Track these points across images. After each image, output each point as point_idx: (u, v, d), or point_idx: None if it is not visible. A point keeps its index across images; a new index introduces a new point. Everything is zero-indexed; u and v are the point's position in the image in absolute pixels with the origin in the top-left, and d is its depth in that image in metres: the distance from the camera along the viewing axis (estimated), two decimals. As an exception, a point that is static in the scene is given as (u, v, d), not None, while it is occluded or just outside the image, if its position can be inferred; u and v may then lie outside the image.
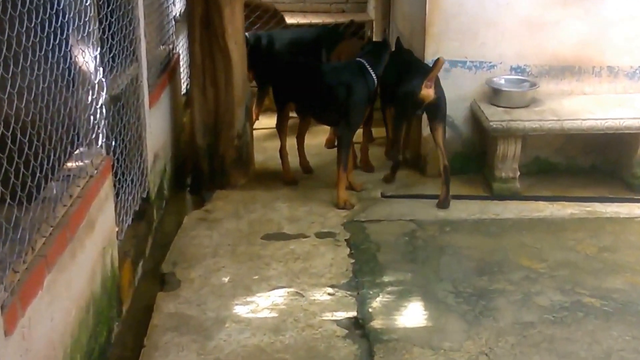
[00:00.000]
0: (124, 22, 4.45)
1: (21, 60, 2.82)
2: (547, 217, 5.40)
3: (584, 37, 5.93)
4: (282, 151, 6.03)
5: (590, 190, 5.83)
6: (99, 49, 3.82)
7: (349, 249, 4.94)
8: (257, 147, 6.35)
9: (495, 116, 5.66)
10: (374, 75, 5.57)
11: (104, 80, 3.88)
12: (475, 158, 6.10)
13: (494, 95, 5.86)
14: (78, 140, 3.63)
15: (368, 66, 5.57)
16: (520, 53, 5.95)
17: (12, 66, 2.74)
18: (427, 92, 5.44)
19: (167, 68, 5.93)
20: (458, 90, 5.96)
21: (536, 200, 5.66)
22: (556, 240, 5.05)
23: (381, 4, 7.97)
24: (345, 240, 5.07)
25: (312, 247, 4.97)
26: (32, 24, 2.99)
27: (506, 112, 5.73)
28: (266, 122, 7.22)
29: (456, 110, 6.00)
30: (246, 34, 6.21)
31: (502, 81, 5.93)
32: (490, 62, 5.96)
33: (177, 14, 6.86)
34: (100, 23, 3.94)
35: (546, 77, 6.01)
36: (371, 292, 4.43)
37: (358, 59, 5.66)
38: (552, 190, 5.83)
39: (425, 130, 6.01)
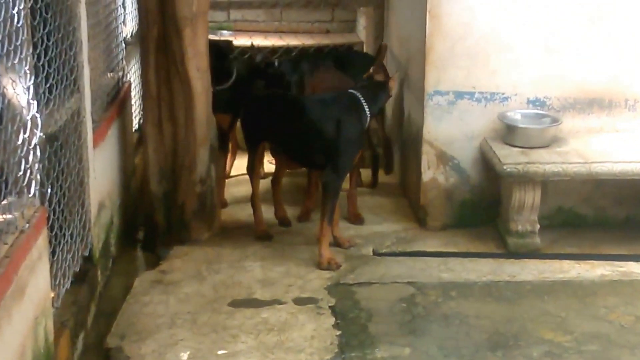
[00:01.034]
0: (64, 46, 4.46)
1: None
2: (573, 280, 5.42)
3: (616, 63, 6.00)
4: (254, 199, 6.04)
5: (624, 247, 5.86)
6: (33, 78, 3.82)
7: (334, 318, 4.93)
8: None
9: (509, 158, 5.70)
10: (368, 113, 5.62)
11: (38, 115, 3.86)
12: (486, 208, 6.13)
13: (508, 132, 5.90)
14: (6, 188, 3.61)
15: (363, 100, 5.62)
16: (540, 83, 6.01)
17: None
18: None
19: (115, 100, 5.94)
20: (465, 127, 6.02)
21: (560, 259, 5.69)
22: (584, 308, 5.06)
23: (373, 23, 8.05)
24: (330, 307, 5.06)
25: (290, 315, 4.96)
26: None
27: (523, 153, 5.77)
28: (235, 165, 7.23)
29: (463, 150, 6.05)
30: None
31: (518, 116, 5.98)
32: (503, 94, 6.01)
33: (128, 35, 6.88)
34: (35, 47, 3.95)
35: (570, 111, 6.06)
36: (361, 371, 4.42)
37: (351, 90, 5.71)
38: (578, 247, 5.86)
39: (426, 175, 6.06)
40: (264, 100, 6.00)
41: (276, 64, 6.50)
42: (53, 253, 4.21)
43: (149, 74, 5.82)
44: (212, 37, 6.56)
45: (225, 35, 9.35)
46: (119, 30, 6.41)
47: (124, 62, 6.52)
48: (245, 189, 6.38)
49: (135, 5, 6.86)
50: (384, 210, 6.51)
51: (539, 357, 4.54)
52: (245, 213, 6.27)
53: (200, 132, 5.85)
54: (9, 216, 3.58)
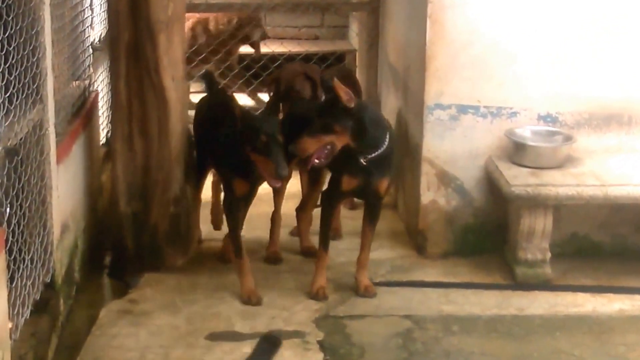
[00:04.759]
0: (26, 52, 4.48)
1: None
2: (589, 315, 5.44)
3: (635, 76, 6.04)
4: (276, 215, 6.16)
5: (644, 278, 5.89)
6: (-9, 86, 3.87)
7: (322, 354, 4.94)
8: (201, 216, 6.37)
9: (518, 179, 5.73)
10: None
11: (-4, 127, 3.92)
12: (491, 234, 6.16)
13: (517, 151, 5.94)
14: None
15: None
16: (552, 97, 6.05)
17: None
18: None
19: (81, 111, 5.97)
20: (468, 144, 6.05)
21: (573, 292, 5.70)
22: (600, 346, 5.07)
23: (366, 29, 8.07)
24: (318, 342, 5.07)
25: (273, 351, 4.99)
26: None
27: (533, 174, 5.80)
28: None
29: (466, 170, 6.09)
30: None
31: (528, 133, 6.01)
32: (511, 108, 6.05)
33: (96, 40, 6.90)
34: (-6, 53, 3.99)
35: (585, 128, 6.10)
36: (352, 413, 4.45)
37: None
38: (594, 279, 5.88)
39: (425, 197, 6.10)
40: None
41: None
42: (11, 279, 4.21)
43: (118, 83, 5.83)
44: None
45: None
46: (86, 35, 6.43)
47: (91, 69, 6.53)
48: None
49: (104, 7, 6.89)
50: (378, 236, 6.39)
51: (549, 399, 4.58)
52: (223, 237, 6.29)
53: (174, 147, 5.88)
54: (-36, 238, 3.61)
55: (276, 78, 6.32)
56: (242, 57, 8.92)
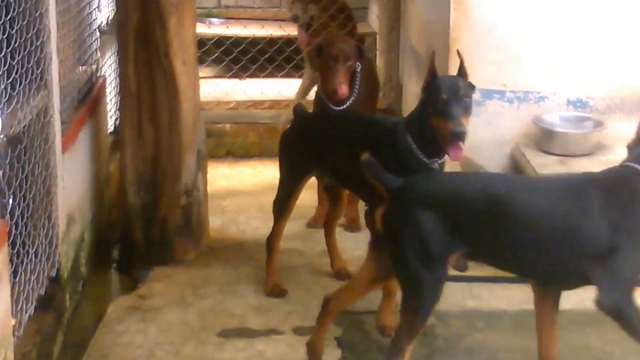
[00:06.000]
0: (30, 35, 4.49)
1: None
2: (619, 309, 5.43)
3: (670, 58, 6.02)
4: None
5: (679, 270, 5.86)
6: (-7, 71, 3.87)
7: (340, 351, 4.94)
8: (213, 207, 6.41)
9: (546, 167, 5.72)
10: None
11: (-1, 114, 3.92)
12: (518, 225, 6.13)
13: (545, 138, 5.94)
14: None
15: None
16: (581, 80, 6.06)
17: None
18: None
19: (88, 97, 5.99)
20: (494, 131, 6.06)
21: (604, 285, 5.69)
22: (632, 342, 5.00)
23: (387, 11, 8.07)
24: (336, 338, 5.06)
25: (289, 348, 4.98)
26: None
27: (561, 162, 5.81)
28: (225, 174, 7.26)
29: (491, 158, 6.09)
30: None
31: (556, 119, 6.02)
32: (539, 93, 6.05)
33: (104, 23, 6.92)
34: (-4, 36, 3.99)
35: (617, 113, 6.10)
36: (371, 414, 4.45)
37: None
38: (625, 272, 5.87)
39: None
40: None
41: None
42: (15, 273, 4.23)
43: (127, 68, 5.85)
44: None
45: (214, 24, 9.39)
46: (93, 17, 6.44)
47: (99, 53, 6.55)
48: (239, 202, 6.41)
49: (112, -11, 6.92)
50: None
51: (579, 398, 4.57)
52: (236, 229, 6.29)
53: (186, 135, 5.89)
54: (-36, 230, 3.61)
55: (320, 44, 6.05)
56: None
